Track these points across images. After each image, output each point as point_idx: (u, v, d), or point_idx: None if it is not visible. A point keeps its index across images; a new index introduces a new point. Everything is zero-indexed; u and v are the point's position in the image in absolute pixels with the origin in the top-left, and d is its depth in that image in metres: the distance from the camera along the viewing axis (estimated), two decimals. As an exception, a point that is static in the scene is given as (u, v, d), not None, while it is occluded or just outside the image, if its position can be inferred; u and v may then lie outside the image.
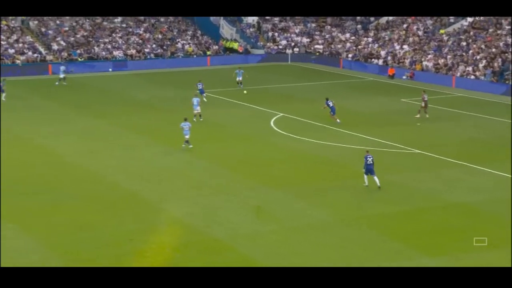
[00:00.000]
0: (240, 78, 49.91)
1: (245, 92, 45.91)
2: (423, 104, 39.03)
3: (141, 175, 26.82)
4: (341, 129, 35.58)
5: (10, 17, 62.96)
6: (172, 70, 58.89)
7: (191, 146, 31.00)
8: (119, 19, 67.89)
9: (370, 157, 25.25)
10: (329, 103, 37.00)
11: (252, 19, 72.54)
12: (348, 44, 65.90)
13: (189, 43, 66.75)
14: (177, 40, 66.85)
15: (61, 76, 50.53)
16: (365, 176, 25.27)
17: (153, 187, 25.34)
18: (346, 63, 62.49)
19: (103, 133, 34.52)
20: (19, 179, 26.05)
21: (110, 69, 58.61)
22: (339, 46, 66.15)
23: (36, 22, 63.67)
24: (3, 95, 43.90)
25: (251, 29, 71.80)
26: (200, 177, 26.79)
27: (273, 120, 38.29)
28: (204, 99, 42.26)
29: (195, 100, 37.40)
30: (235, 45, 67.82)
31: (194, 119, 36.61)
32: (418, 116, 38.70)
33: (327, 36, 69.34)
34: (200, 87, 43.74)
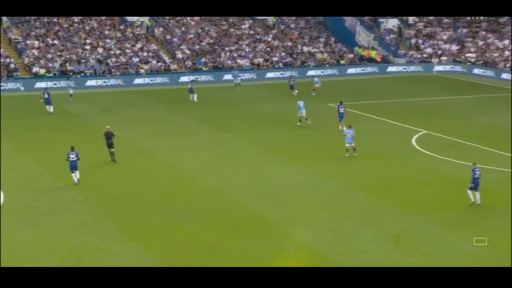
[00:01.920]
0: (318, 85, 52.12)
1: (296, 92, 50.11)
2: None
3: (266, 195, 27.25)
4: (495, 150, 34.03)
5: (136, 24, 66.89)
6: (302, 81, 59.48)
7: (356, 154, 32.56)
8: (247, 25, 69.82)
9: (478, 171, 25.06)
10: (340, 108, 38.34)
11: (392, 25, 71.64)
12: (506, 53, 62.99)
13: (321, 51, 67.18)
14: (309, 47, 67.51)
15: (291, 82, 53.06)
16: (470, 192, 25.07)
17: (279, 207, 25.64)
18: (504, 74, 59.71)
19: (228, 148, 35.54)
20: (141, 194, 27.45)
21: (236, 80, 60.11)
22: (496, 54, 63.39)
23: (161, 29, 67.13)
24: (195, 96, 49.60)
25: (391, 36, 70.91)
26: (330, 199, 26.73)
27: (414, 137, 37.45)
28: (294, 93, 49.34)
29: (301, 103, 40.13)
30: (373, 53, 67.29)
31: (299, 123, 39.80)
32: None
33: (480, 43, 66.77)
34: (292, 83, 51.86)
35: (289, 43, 67.93)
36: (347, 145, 32.95)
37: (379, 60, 66.75)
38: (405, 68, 65.85)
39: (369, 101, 49.75)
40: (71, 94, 50.78)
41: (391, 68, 65.65)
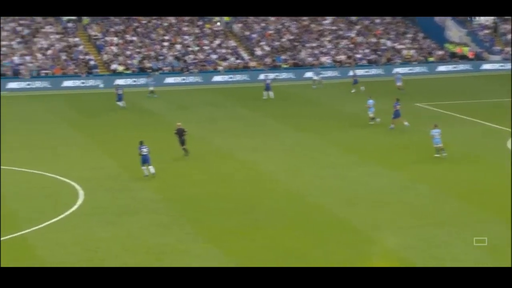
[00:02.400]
0: (400, 84, 51.79)
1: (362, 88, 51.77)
2: None
3: (349, 198, 27.01)
4: None
5: (214, 20, 67.76)
6: (387, 79, 58.68)
7: (445, 154, 32.32)
8: (329, 20, 69.50)
9: None
10: (396, 105, 38.92)
11: (485, 19, 69.69)
12: None
13: (408, 48, 66.08)
14: (395, 44, 66.54)
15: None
16: None
17: (363, 212, 25.37)
18: None
19: (308, 149, 35.47)
20: (219, 195, 27.78)
21: (316, 77, 59.95)
22: None
23: (240, 25, 67.75)
24: (271, 93, 50.28)
25: (485, 31, 68.97)
26: (419, 204, 26.24)
27: (511, 140, 36.30)
28: (353, 90, 52.07)
29: (371, 102, 40.57)
30: (465, 50, 65.63)
31: (371, 122, 40.20)
32: None
33: None
34: (355, 78, 53.76)
35: (374, 39, 67.15)
36: (435, 145, 32.46)
37: (472, 57, 65.05)
38: (501, 66, 63.91)
39: (461, 100, 48.58)
40: (153, 91, 51.99)
41: (485, 66, 63.86)
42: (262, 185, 29.25)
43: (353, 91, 52.21)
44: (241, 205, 26.46)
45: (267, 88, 50.66)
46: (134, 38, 63.37)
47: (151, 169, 29.70)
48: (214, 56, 62.74)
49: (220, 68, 61.33)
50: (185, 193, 28.08)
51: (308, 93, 53.90)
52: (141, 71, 59.28)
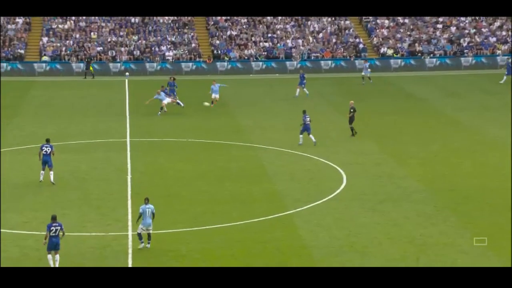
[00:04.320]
0: None
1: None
2: None
3: None
4: None
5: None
6: None
7: None
8: None
9: None
10: None
11: None
12: None
13: None
14: None
15: None
16: None
17: None
18: None
19: None
20: (489, 189, 26.80)
21: None
22: None
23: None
24: None
25: None
26: None
27: None
28: None
29: None
30: None
31: None
32: None
33: None
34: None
35: None
36: None
37: None
38: None
39: None
40: (364, 77, 50.68)
41: None
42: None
43: None
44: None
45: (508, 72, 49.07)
46: (406, 21, 62.94)
47: (312, 138, 32.63)
48: (492, 39, 60.06)
49: (498, 52, 58.62)
50: (453, 184, 27.52)
51: None
52: (411, 54, 58.81)
